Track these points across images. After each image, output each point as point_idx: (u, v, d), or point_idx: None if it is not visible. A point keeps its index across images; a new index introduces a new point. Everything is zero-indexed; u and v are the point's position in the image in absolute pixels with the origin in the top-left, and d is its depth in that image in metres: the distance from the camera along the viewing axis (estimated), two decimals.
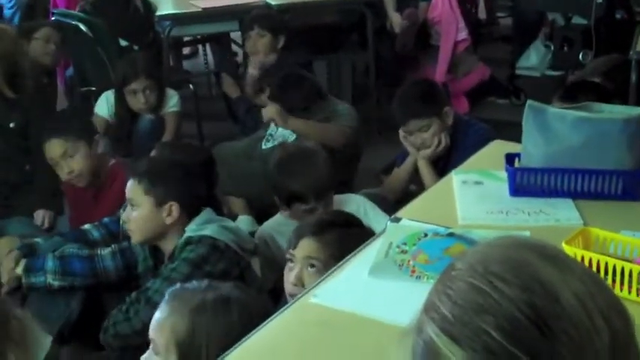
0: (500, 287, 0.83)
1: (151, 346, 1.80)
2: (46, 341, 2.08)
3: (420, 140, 3.25)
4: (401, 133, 3.31)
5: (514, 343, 0.80)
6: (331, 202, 2.89)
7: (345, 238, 2.10)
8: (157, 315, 1.81)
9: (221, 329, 1.73)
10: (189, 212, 2.52)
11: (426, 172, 3.26)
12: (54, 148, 3.22)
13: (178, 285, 1.94)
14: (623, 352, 0.84)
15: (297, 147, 3.14)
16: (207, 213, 2.56)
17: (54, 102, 4.80)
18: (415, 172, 3.34)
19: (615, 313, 0.86)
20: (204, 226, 2.48)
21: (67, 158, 3.20)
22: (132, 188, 2.54)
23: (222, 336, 1.69)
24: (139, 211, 2.53)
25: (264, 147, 3.69)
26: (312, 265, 2.09)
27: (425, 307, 0.88)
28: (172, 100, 4.12)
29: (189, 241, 2.44)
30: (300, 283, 2.09)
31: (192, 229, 2.48)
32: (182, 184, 2.53)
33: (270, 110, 3.72)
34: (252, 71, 4.34)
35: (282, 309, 1.57)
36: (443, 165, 3.20)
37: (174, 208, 2.50)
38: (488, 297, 0.83)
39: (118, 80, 4.05)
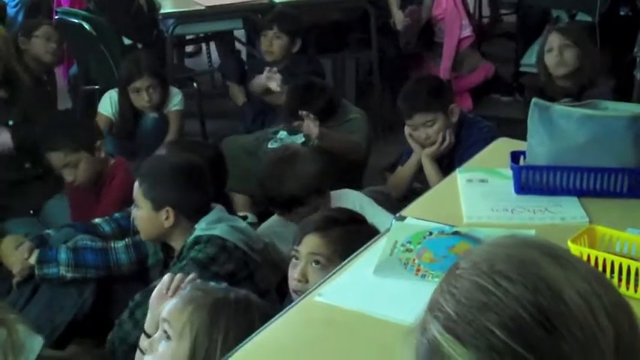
0: (504, 286, 0.83)
1: (160, 331, 1.76)
2: (37, 343, 2.08)
3: (425, 135, 3.24)
4: (406, 129, 3.31)
5: (518, 342, 0.80)
6: (329, 199, 2.89)
7: (349, 234, 2.10)
8: (177, 300, 1.79)
9: (240, 328, 1.70)
10: (189, 216, 2.51)
11: (430, 169, 3.26)
12: (56, 160, 3.25)
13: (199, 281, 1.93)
14: (628, 351, 0.84)
15: (281, 153, 3.14)
16: (217, 212, 2.54)
17: (54, 100, 4.79)
18: (419, 170, 3.34)
19: (620, 312, 0.85)
20: (214, 225, 2.47)
21: (70, 168, 3.22)
22: (135, 189, 2.56)
23: (240, 336, 1.66)
24: (141, 212, 2.55)
25: (269, 147, 3.69)
26: (317, 262, 2.10)
27: (429, 306, 0.88)
28: (176, 99, 4.11)
29: (197, 241, 2.43)
30: (305, 279, 2.10)
31: (201, 228, 2.47)
32: (179, 190, 2.51)
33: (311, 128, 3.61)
34: (273, 85, 4.20)
35: (286, 308, 1.56)
36: (447, 163, 3.20)
37: (170, 214, 2.50)
38: (492, 295, 0.83)
39: (122, 79, 4.05)
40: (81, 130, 3.37)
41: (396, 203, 2.94)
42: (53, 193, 3.62)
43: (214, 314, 1.73)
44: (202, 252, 2.40)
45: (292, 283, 2.16)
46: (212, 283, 1.90)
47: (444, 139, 3.22)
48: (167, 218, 2.50)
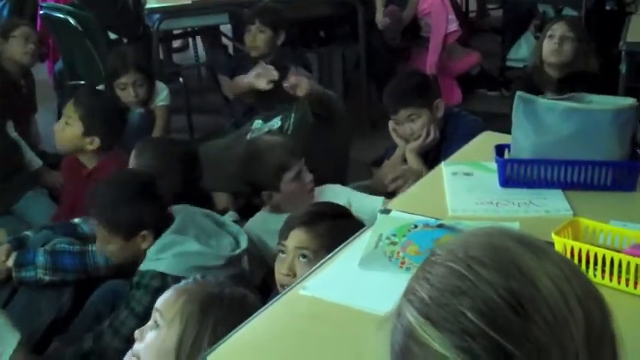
0: (478, 270, 0.84)
1: (151, 320, 1.76)
2: (14, 340, 2.07)
3: (409, 131, 3.25)
4: (390, 124, 3.31)
5: (491, 325, 0.81)
6: (307, 172, 2.92)
7: (335, 228, 2.11)
8: (171, 291, 1.79)
9: (230, 325, 1.69)
10: (128, 236, 2.45)
11: (414, 163, 3.26)
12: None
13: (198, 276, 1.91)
14: (598, 338, 0.85)
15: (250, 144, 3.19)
16: (169, 235, 2.41)
17: (32, 103, 4.71)
18: (404, 164, 3.34)
19: (592, 299, 0.87)
20: (161, 255, 2.37)
21: None
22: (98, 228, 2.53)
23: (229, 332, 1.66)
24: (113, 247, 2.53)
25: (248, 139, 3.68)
26: (304, 256, 2.12)
27: (405, 292, 0.89)
28: (162, 94, 4.10)
29: (141, 278, 2.36)
30: (292, 274, 2.11)
31: (148, 258, 2.39)
32: (114, 213, 2.44)
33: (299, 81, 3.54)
34: (262, 84, 4.12)
35: (271, 301, 1.56)
36: (433, 157, 3.20)
37: (113, 239, 2.47)
38: (466, 280, 0.84)
39: (108, 74, 4.03)
40: None
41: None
42: (28, 190, 3.64)
43: (206, 307, 1.73)
44: (141, 303, 2.32)
45: (280, 278, 2.16)
46: (211, 280, 1.89)
47: (428, 134, 3.22)
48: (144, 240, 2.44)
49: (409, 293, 0.88)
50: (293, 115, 3.64)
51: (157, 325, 1.74)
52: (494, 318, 0.81)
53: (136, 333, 1.79)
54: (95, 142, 3.28)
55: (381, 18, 5.22)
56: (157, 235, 2.41)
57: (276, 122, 3.67)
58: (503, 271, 0.83)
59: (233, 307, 1.75)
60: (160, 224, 2.43)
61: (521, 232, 0.92)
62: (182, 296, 1.74)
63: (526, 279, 0.83)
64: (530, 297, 0.82)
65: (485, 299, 0.81)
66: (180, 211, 2.50)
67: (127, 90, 3.93)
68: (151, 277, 2.34)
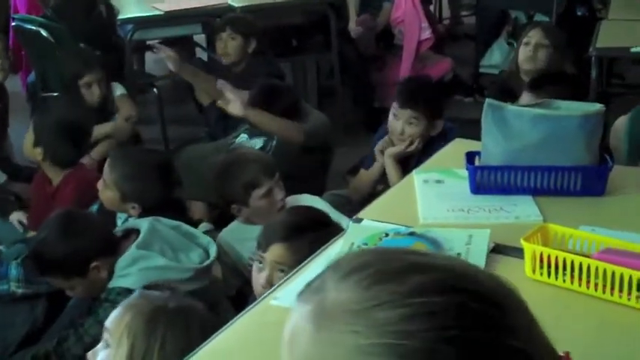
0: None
1: (102, 340, 1.76)
2: None
3: (400, 130, 3.20)
4: (392, 112, 3.27)
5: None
6: (282, 187, 2.92)
7: (314, 241, 2.09)
8: (118, 309, 1.79)
9: (177, 337, 1.71)
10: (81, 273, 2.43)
11: (391, 170, 3.24)
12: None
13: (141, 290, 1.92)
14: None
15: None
16: (134, 250, 2.39)
17: (6, 118, 4.64)
18: (382, 174, 3.32)
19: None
20: (126, 271, 2.36)
21: None
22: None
23: (179, 344, 1.67)
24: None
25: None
26: (282, 270, 2.11)
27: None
28: (117, 89, 4.14)
29: (106, 299, 2.35)
30: (270, 286, 2.09)
31: (116, 274, 2.38)
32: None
33: (233, 100, 3.63)
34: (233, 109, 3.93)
35: (242, 312, 1.56)
36: (413, 167, 3.18)
37: (71, 282, 2.45)
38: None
39: (71, 76, 4.04)
40: None
41: (357, 207, 2.92)
42: None
43: (152, 321, 1.73)
44: (107, 313, 2.23)
45: (258, 289, 2.15)
46: (156, 293, 1.89)
47: (411, 143, 3.21)
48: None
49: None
50: (276, 139, 3.64)
51: (107, 345, 1.74)
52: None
53: (89, 354, 1.79)
54: (39, 154, 3.33)
55: (354, 27, 5.25)
56: (114, 255, 2.40)
57: (258, 142, 3.66)
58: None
59: (178, 318, 1.75)
60: (108, 248, 2.42)
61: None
62: (128, 313, 1.74)
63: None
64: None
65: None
66: (145, 224, 2.48)
67: (92, 88, 3.93)
68: (117, 294, 2.32)
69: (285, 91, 3.86)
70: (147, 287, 2.09)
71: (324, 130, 3.80)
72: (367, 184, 3.36)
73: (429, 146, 3.19)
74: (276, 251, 2.13)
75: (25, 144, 3.40)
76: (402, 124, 3.21)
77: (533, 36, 3.82)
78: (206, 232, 2.97)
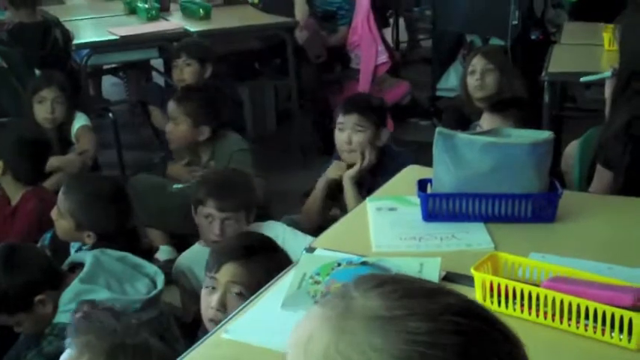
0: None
1: None
2: None
3: (347, 139, 3.23)
4: (337, 127, 3.30)
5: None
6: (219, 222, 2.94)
7: (269, 263, 2.09)
8: (72, 349, 1.72)
9: None
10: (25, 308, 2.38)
11: (350, 193, 3.25)
12: None
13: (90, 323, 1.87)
14: None
15: None
16: (75, 285, 2.33)
17: None
18: (340, 194, 3.33)
19: None
20: (70, 306, 2.29)
21: None
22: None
23: None
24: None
25: (174, 188, 3.66)
26: (239, 292, 2.08)
27: None
28: (81, 118, 4.06)
29: (50, 334, 2.31)
30: (223, 309, 2.07)
31: (59, 310, 2.33)
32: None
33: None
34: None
35: (192, 346, 1.54)
36: (367, 192, 3.20)
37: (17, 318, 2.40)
38: None
39: (29, 92, 3.97)
40: None
41: (310, 232, 2.92)
42: None
43: None
44: (52, 344, 2.26)
45: (209, 312, 2.12)
46: (112, 324, 1.85)
47: (363, 157, 3.22)
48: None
49: None
50: None
51: None
52: None
53: None
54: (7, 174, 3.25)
55: (298, 33, 5.23)
56: (59, 288, 2.35)
57: None
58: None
59: (136, 355, 1.71)
60: (52, 281, 2.38)
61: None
62: (84, 355, 1.70)
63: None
64: None
65: None
66: (89, 257, 2.44)
67: (44, 104, 3.87)
68: (61, 329, 2.27)
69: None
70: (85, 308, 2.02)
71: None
72: (314, 208, 3.35)
73: (378, 169, 3.23)
74: (229, 271, 2.11)
75: None
76: (347, 133, 3.24)
77: (477, 63, 3.86)
78: (167, 258, 2.94)
